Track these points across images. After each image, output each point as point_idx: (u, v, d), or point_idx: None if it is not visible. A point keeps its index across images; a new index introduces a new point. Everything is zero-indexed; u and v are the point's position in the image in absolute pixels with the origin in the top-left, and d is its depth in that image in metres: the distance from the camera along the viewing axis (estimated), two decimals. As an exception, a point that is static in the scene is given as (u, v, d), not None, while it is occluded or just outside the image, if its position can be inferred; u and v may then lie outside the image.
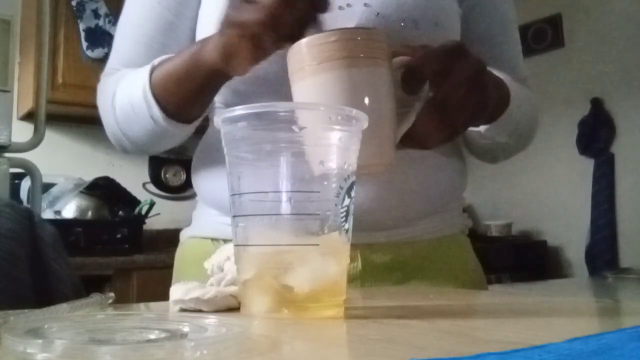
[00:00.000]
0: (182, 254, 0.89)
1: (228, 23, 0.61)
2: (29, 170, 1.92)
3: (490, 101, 0.64)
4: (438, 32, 0.75)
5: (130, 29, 0.84)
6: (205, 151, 0.85)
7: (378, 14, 0.74)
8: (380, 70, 0.58)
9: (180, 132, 0.76)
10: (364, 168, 0.56)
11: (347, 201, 0.49)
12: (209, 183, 0.83)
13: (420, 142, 0.62)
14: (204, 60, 0.66)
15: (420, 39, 0.70)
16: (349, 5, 0.75)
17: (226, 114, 0.48)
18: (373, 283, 0.76)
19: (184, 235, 0.89)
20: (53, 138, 2.56)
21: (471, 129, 0.73)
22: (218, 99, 0.83)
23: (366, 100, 0.57)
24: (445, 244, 0.83)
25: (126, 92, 0.76)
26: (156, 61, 0.74)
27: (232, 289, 0.53)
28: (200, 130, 0.87)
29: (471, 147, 0.86)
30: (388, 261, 0.77)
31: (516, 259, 2.97)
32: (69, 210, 2.40)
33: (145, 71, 0.73)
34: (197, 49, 0.68)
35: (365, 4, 0.74)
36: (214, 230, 0.82)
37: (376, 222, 0.76)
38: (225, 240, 0.78)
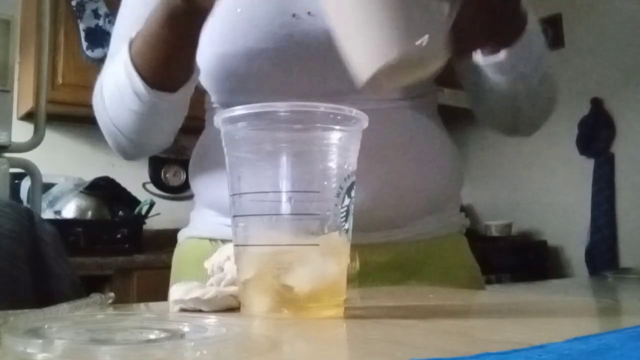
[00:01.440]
0: (179, 255, 0.89)
1: None
2: (29, 170, 1.92)
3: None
4: None
5: (126, 30, 0.84)
6: (202, 152, 0.85)
7: None
8: None
9: (167, 107, 0.74)
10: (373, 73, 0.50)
11: (347, 201, 0.49)
12: (206, 184, 0.82)
13: (459, 47, 0.59)
14: (172, 5, 0.64)
15: None
16: None
17: (226, 114, 0.48)
18: (371, 283, 0.76)
19: (181, 236, 0.89)
20: (53, 138, 2.56)
21: (490, 62, 0.70)
22: (213, 97, 0.83)
23: None
24: (443, 243, 0.83)
25: (112, 76, 0.75)
26: (133, 34, 0.73)
27: (232, 289, 0.53)
28: (198, 131, 0.87)
29: (489, 100, 0.81)
30: (386, 261, 0.77)
31: (516, 259, 2.97)
32: (69, 210, 2.39)
33: (125, 47, 0.73)
34: (161, 1, 0.66)
35: None
36: (212, 230, 0.82)
37: (374, 222, 0.76)
38: (223, 241, 0.78)
